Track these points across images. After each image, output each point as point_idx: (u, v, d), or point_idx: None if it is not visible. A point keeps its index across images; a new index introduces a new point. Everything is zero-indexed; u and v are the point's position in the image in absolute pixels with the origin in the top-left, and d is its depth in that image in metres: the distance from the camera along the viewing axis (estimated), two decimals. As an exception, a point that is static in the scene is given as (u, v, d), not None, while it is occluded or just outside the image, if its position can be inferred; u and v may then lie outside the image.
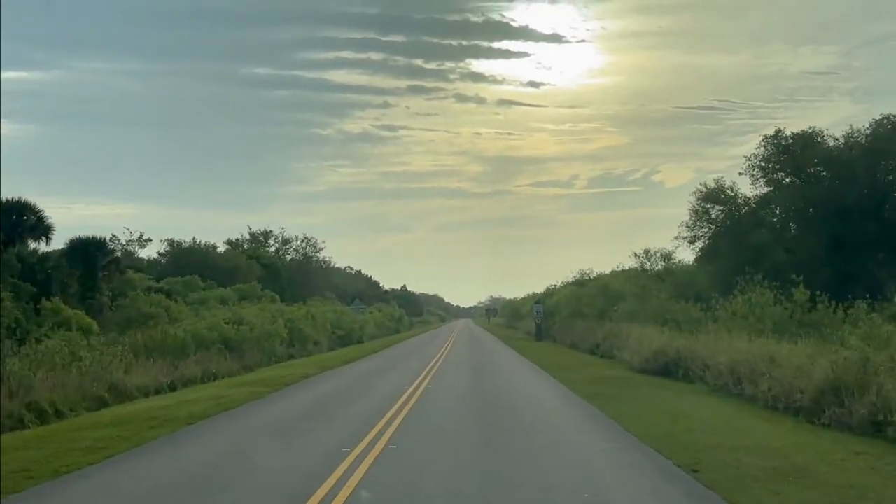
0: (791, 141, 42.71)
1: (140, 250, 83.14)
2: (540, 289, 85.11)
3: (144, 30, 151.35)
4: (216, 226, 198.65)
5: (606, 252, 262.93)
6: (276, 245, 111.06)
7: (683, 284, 46.56)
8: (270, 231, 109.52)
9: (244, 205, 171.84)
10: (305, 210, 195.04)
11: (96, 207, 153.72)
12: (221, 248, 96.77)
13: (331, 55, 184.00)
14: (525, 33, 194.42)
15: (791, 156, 42.54)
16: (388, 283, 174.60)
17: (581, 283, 55.55)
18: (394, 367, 33.99)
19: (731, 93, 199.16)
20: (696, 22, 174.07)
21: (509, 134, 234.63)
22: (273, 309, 53.25)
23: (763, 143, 43.13)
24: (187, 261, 78.24)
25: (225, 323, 43.60)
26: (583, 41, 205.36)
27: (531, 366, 33.05)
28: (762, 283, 29.82)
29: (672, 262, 51.02)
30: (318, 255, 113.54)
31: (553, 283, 70.38)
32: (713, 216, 44.14)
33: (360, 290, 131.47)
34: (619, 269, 53.13)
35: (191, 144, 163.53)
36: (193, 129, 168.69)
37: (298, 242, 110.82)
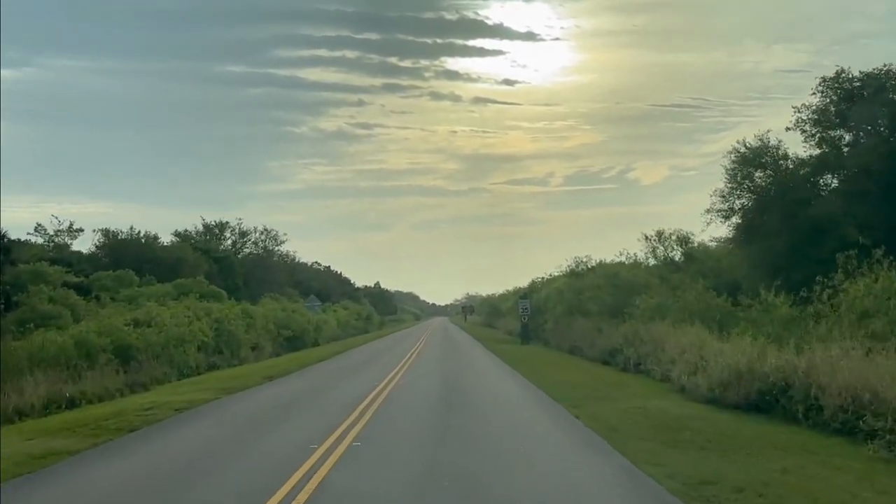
0: (859, 84, 31.72)
1: (72, 242, 71.83)
2: (518, 285, 73.90)
3: (118, 28, 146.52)
4: (190, 224, 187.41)
5: (584, 249, 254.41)
6: (233, 237, 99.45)
7: (711, 272, 35.64)
8: (226, 223, 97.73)
9: (219, 203, 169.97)
10: (281, 208, 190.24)
11: (70, 207, 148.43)
12: (169, 241, 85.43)
13: (305, 53, 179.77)
14: (500, 31, 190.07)
15: (860, 103, 31.50)
16: (364, 281, 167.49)
17: (578, 274, 44.31)
18: (328, 390, 22.57)
19: (704, 91, 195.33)
20: (670, 20, 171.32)
21: (484, 132, 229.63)
22: (198, 307, 41.61)
23: (821, 89, 32.17)
24: (125, 254, 66.55)
25: (125, 325, 32.18)
26: (557, 39, 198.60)
27: (532, 389, 21.56)
28: (882, 261, 18.82)
29: (691, 244, 40.09)
30: (279, 248, 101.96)
31: (541, 276, 59.16)
32: (756, 182, 33.15)
33: (329, 287, 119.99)
34: (624, 256, 41.96)
35: (165, 143, 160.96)
36: (167, 128, 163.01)
37: (257, 234, 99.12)
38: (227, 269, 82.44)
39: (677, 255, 40.23)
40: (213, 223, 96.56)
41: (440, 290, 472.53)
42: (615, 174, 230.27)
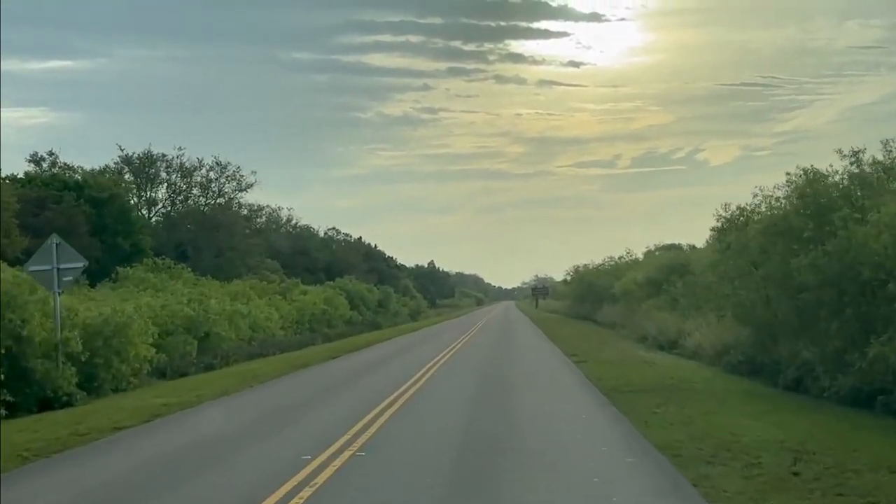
0: None
1: None
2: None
3: (186, 16, 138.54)
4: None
5: (653, 232, 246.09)
6: (170, 178, 58.64)
7: None
8: (161, 155, 56.93)
9: (287, 188, 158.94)
10: (347, 193, 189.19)
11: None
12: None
13: (369, 39, 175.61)
14: (564, 12, 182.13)
15: None
16: (423, 263, 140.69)
17: None
18: None
19: (775, 69, 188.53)
20: None
21: (550, 114, 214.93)
22: None
23: None
24: None
25: None
26: (623, 19, 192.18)
27: None
28: None
29: None
30: (242, 195, 60.96)
31: None
32: None
33: (348, 261, 78.92)
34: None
35: (232, 129, 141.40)
36: (234, 114, 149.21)
37: (205, 171, 58.40)
38: (118, 221, 42.34)
39: None
40: (136, 155, 56.03)
41: (506, 273, 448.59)
42: (684, 155, 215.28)
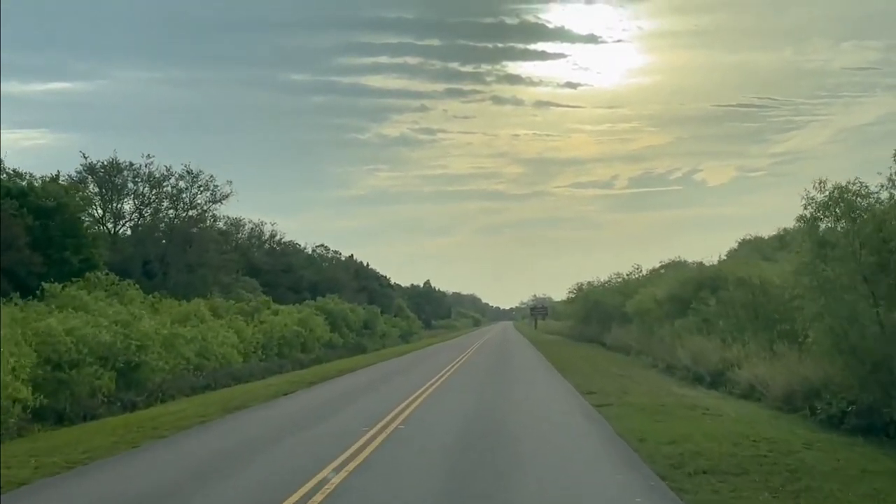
0: None
1: None
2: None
3: (185, 38, 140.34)
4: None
5: (650, 252, 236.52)
6: (137, 188, 53.12)
7: None
8: (128, 163, 51.42)
9: (285, 209, 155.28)
10: (345, 214, 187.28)
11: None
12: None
13: (367, 60, 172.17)
14: (561, 34, 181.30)
15: None
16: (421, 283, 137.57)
17: None
18: None
19: (771, 90, 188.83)
20: (734, 19, 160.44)
21: (547, 135, 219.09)
22: None
23: None
24: None
25: None
26: (620, 41, 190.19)
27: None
28: None
29: None
30: (216, 207, 55.47)
31: None
32: None
33: (337, 280, 73.74)
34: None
35: (231, 150, 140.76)
36: (232, 135, 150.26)
37: (173, 181, 53.01)
38: (67, 234, 37.02)
39: None
40: (99, 163, 50.63)
41: (504, 293, 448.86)
42: (681, 176, 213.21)
